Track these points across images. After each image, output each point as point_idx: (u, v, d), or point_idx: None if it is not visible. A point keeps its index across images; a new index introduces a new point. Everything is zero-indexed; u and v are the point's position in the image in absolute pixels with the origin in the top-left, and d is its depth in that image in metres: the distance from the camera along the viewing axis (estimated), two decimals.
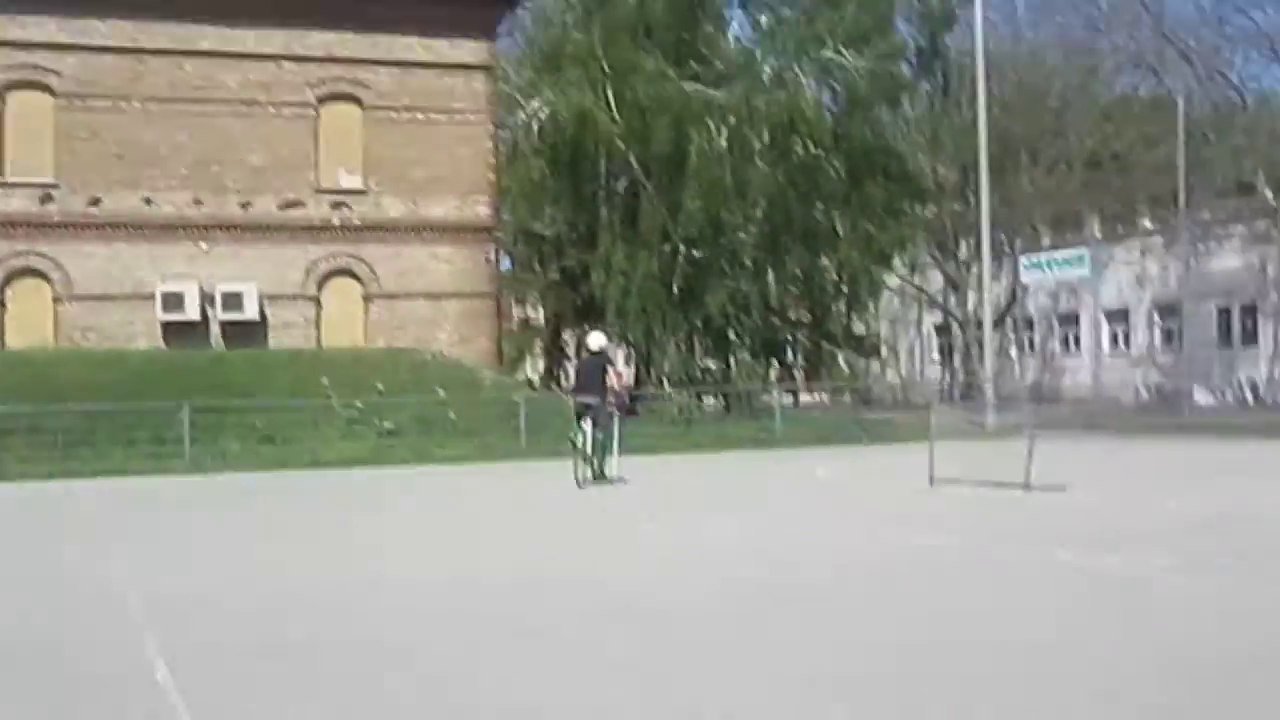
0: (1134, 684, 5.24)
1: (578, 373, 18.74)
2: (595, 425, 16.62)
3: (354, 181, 28.17)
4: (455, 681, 5.61)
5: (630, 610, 7.32)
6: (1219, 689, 5.15)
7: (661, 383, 30.75)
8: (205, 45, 27.07)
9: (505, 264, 35.25)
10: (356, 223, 28.11)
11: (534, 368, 39.63)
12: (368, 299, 28.25)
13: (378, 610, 7.57)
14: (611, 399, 17.36)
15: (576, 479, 16.27)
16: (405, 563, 9.91)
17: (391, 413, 24.13)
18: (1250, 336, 39.74)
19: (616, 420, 17.88)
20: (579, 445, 16.57)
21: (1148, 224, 42.37)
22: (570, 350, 36.27)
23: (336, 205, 27.98)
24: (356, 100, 28.30)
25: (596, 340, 18.11)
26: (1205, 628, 6.54)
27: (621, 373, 23.22)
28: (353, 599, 7.98)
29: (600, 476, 16.75)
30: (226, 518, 14.26)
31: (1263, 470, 17.69)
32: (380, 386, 24.76)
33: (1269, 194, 36.09)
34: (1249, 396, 37.73)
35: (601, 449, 16.84)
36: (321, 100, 28.00)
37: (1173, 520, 11.46)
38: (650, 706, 5.04)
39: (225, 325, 26.78)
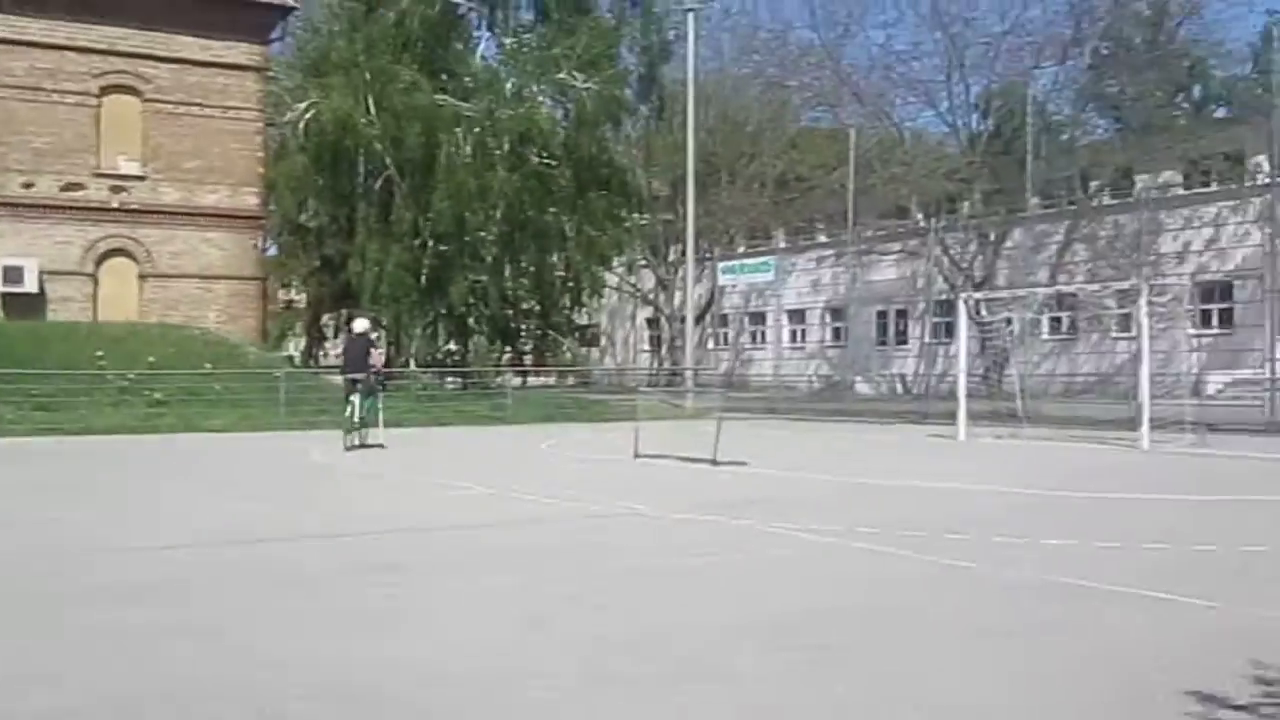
0: (796, 629, 5.70)
1: (345, 352, 20.63)
2: (361, 397, 18.64)
3: (132, 168, 29.16)
4: (225, 629, 5.82)
5: (379, 564, 7.66)
6: (861, 633, 5.69)
7: (408, 363, 31.66)
8: None
9: (272, 250, 35.68)
10: (134, 206, 29.10)
11: (296, 346, 40.62)
12: (143, 278, 29.23)
13: (144, 559, 7.99)
14: (372, 375, 19.22)
15: (344, 444, 18.26)
16: (171, 519, 10.31)
17: (161, 384, 24.67)
18: (903, 337, 42.88)
19: (379, 394, 19.86)
20: (346, 415, 18.64)
21: (823, 238, 44.83)
22: (330, 332, 37.68)
23: (115, 189, 28.98)
24: (136, 92, 29.27)
25: (360, 324, 20.20)
26: (855, 581, 7.10)
27: (382, 351, 24.17)
28: (127, 549, 8.42)
29: (365, 444, 18.58)
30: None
31: (903, 448, 19.38)
32: (151, 359, 25.32)
33: (920, 217, 38.87)
34: (900, 387, 39.52)
35: (363, 418, 18.77)
36: (103, 90, 28.88)
37: (830, 490, 12.58)
38: (383, 652, 5.25)
39: (5, 297, 27.35)
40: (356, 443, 18.55)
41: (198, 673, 5.08)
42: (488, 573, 7.57)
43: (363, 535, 9.44)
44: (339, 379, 20.35)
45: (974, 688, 4.84)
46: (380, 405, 19.78)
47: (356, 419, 18.63)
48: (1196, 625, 6.00)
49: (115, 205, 29.11)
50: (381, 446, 18.75)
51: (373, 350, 19.94)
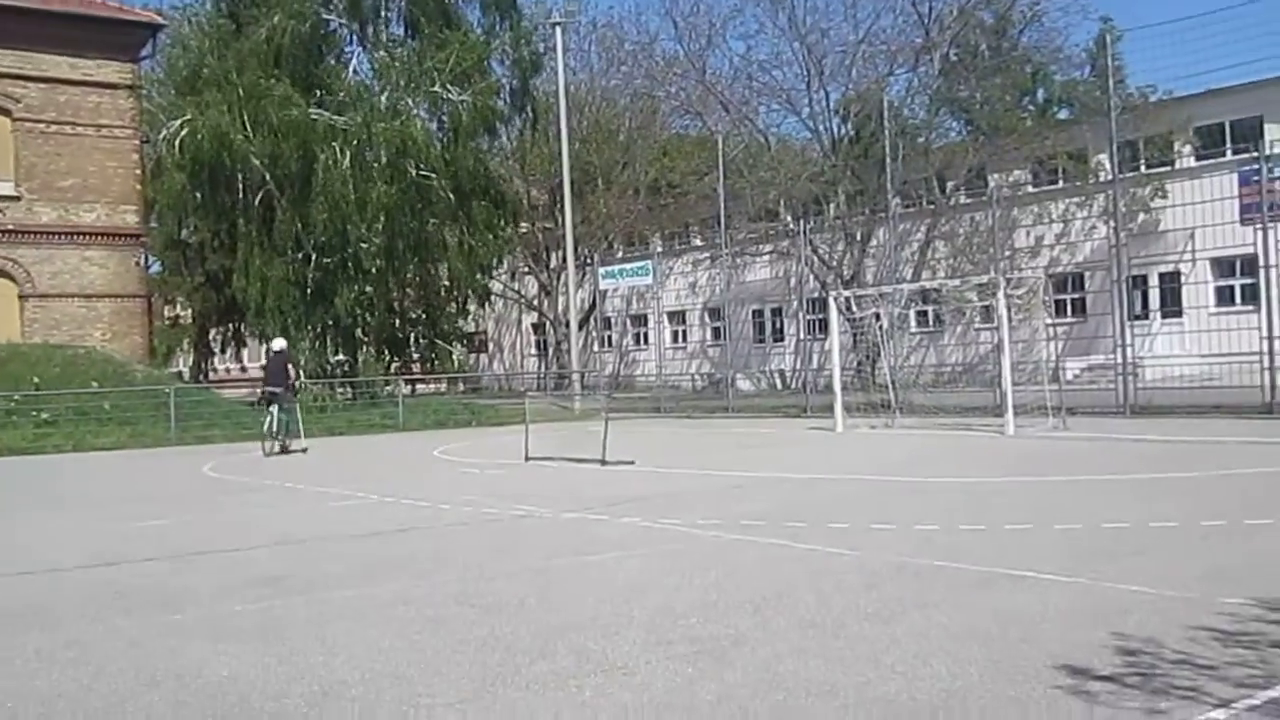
0: (687, 620, 5.87)
1: (265, 367, 22.31)
2: (280, 409, 20.36)
3: (6, 188, 28.85)
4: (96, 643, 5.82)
5: (264, 577, 7.63)
6: (749, 621, 5.83)
7: (298, 375, 30.90)
8: None
9: (156, 267, 35.63)
10: (10, 227, 28.80)
11: (184, 362, 40.12)
12: (23, 298, 28.95)
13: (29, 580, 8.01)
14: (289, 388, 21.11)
15: (264, 450, 19.82)
16: (48, 540, 10.29)
17: (48, 404, 24.75)
18: (779, 334, 44.50)
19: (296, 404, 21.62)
20: (266, 425, 20.24)
21: (698, 241, 45.73)
22: (217, 346, 37.39)
23: None
24: (6, 112, 28.97)
25: (279, 343, 22.22)
26: (739, 572, 7.27)
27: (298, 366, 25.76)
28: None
29: (286, 450, 20.28)
30: None
31: (784, 441, 20.03)
32: (36, 380, 25.32)
33: (789, 219, 39.10)
34: (778, 383, 40.67)
35: (285, 427, 20.50)
36: None
37: (714, 484, 12.86)
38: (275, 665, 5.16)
39: None
40: (277, 449, 20.13)
41: (78, 693, 5.05)
42: (380, 580, 7.60)
43: (253, 549, 9.40)
44: (228, 393, 21.70)
45: (856, 668, 5.06)
46: (300, 414, 21.65)
47: (275, 427, 20.24)
48: (1061, 601, 6.24)
49: None
50: (304, 451, 20.50)
51: (289, 366, 21.88)
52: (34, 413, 24.80)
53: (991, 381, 24.41)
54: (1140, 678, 4.73)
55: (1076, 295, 35.57)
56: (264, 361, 27.64)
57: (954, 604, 6.30)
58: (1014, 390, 19.58)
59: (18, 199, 29.23)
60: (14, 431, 23.72)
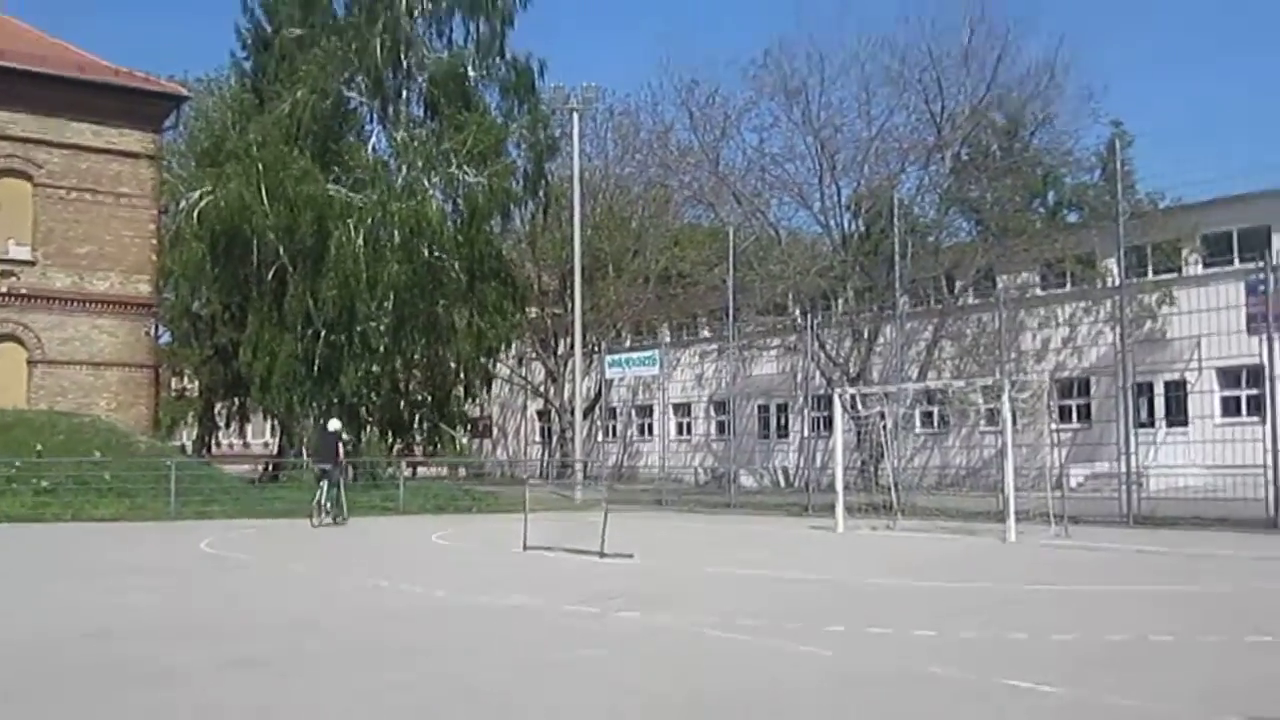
0: (672, 716, 5.88)
1: (317, 445, 24.64)
2: (329, 484, 22.42)
3: (22, 253, 29.12)
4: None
5: (247, 659, 7.82)
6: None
7: (300, 453, 31.56)
8: None
9: (165, 338, 35.64)
10: (24, 291, 29.00)
11: (188, 436, 40.08)
12: (31, 364, 29.03)
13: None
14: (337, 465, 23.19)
15: (312, 522, 21.79)
16: (33, 611, 10.36)
17: (49, 472, 24.64)
18: (784, 430, 44.40)
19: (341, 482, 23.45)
20: (316, 499, 22.29)
21: (706, 333, 46.03)
22: (222, 421, 37.32)
23: (4, 274, 28.86)
24: (28, 177, 29.30)
25: (334, 424, 24.51)
26: (731, 671, 7.31)
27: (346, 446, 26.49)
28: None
29: (337, 520, 22.41)
30: None
31: (784, 540, 19.91)
32: (39, 447, 25.32)
33: (797, 313, 39.33)
34: (782, 480, 40.18)
35: (334, 500, 22.36)
36: None
37: (712, 582, 12.90)
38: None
39: None
40: (327, 521, 22.19)
41: None
42: (369, 666, 7.54)
43: (244, 629, 9.34)
44: (230, 468, 22.65)
45: None
46: (344, 491, 23.48)
47: (324, 500, 22.40)
48: (1055, 713, 6.19)
49: (4, 290, 29.04)
50: (345, 522, 22.68)
51: (340, 445, 23.82)
52: (34, 480, 24.69)
53: (995, 486, 24.21)
54: None
55: (1082, 401, 35.48)
56: (311, 437, 28.72)
57: (947, 713, 6.22)
58: (1016, 496, 19.31)
59: (33, 264, 29.46)
60: (14, 499, 23.67)
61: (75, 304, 29.87)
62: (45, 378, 29.49)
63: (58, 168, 29.96)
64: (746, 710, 6.24)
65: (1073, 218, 37.25)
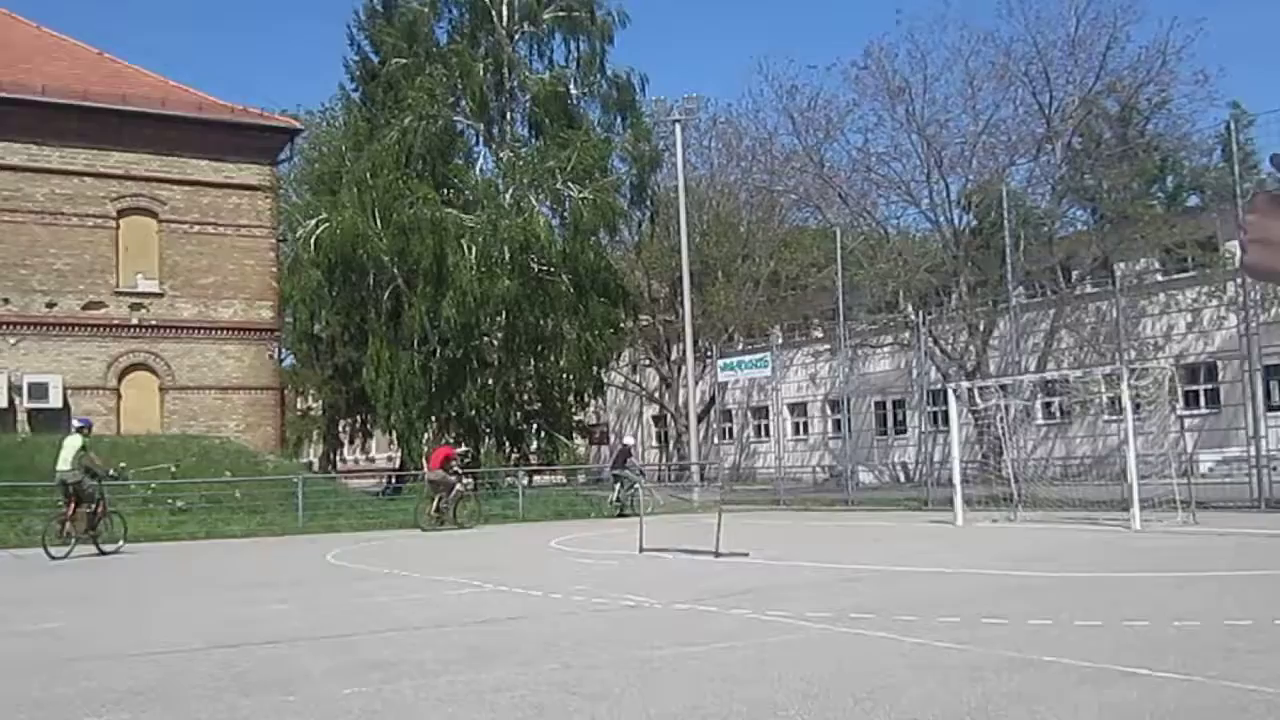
0: (789, 713, 5.81)
1: (612, 455, 28.38)
2: (623, 486, 27.57)
3: (150, 286, 30.27)
4: None
5: (375, 662, 8.48)
6: (852, 713, 5.80)
7: (421, 466, 31.24)
8: (14, 161, 29.02)
9: (288, 360, 36.91)
10: (153, 323, 30.20)
11: (314, 453, 41.21)
12: (163, 390, 30.15)
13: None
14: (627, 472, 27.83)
15: (421, 527, 23.92)
16: (171, 623, 10.64)
17: (183, 493, 25.60)
18: (901, 426, 44.45)
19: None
20: (613, 499, 27.69)
21: (818, 333, 46.18)
22: (345, 438, 38.30)
23: (135, 307, 30.08)
24: (153, 214, 30.48)
25: (629, 439, 29.90)
26: (844, 664, 7.21)
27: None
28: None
29: (461, 526, 24.72)
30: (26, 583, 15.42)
31: (902, 535, 19.79)
32: (173, 469, 26.24)
33: (909, 310, 38.95)
34: (901, 476, 40.91)
35: (452, 509, 24.97)
36: (121, 213, 30.13)
37: (827, 577, 12.80)
38: None
39: (31, 412, 28.17)
40: (629, 512, 25.75)
41: None
42: (486, 667, 7.60)
43: (367, 634, 9.47)
44: (354, 483, 23.29)
45: None
46: (635, 492, 25.93)
47: (616, 499, 27.53)
48: (1172, 699, 6.03)
49: (135, 322, 30.22)
50: (464, 527, 25.00)
51: (629, 457, 29.02)
52: (170, 500, 25.61)
53: (1120, 475, 23.68)
54: None
55: (1209, 386, 34.45)
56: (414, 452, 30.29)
57: (1060, 700, 6.14)
58: (1142, 483, 18.98)
59: (161, 296, 30.58)
60: (151, 519, 24.39)
61: (202, 332, 30.87)
62: (177, 403, 30.51)
63: (180, 204, 31.01)
64: (857, 701, 6.23)
65: (1193, 201, 36.18)
